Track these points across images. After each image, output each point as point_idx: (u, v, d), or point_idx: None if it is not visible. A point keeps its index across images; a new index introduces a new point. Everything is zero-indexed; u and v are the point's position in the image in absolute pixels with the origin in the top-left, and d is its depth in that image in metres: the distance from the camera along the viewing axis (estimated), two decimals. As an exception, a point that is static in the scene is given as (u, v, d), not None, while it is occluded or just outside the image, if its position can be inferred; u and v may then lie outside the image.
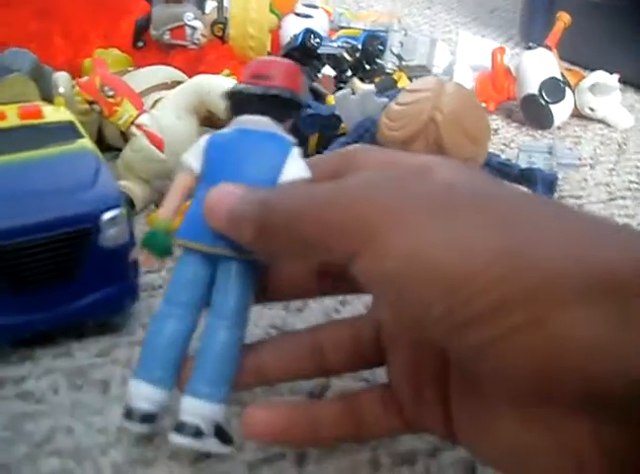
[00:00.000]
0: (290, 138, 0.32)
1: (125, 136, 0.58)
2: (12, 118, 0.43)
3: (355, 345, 0.32)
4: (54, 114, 0.44)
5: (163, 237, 0.32)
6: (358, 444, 0.34)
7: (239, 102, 0.32)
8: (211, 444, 0.30)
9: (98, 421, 0.35)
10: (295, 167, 0.31)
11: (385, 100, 0.52)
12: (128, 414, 0.31)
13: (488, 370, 0.23)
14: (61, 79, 0.51)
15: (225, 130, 0.32)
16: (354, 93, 0.53)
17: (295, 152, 0.31)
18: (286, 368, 0.32)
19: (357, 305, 0.44)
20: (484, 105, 0.78)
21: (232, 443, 0.31)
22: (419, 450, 0.34)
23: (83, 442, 0.34)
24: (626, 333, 0.20)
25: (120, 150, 0.56)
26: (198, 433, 0.30)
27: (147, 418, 0.31)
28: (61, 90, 0.51)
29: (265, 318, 0.43)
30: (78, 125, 0.44)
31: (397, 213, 0.23)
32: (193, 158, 0.32)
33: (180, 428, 0.30)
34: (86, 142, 0.43)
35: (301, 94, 0.33)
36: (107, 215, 0.38)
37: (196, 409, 0.30)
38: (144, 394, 0.31)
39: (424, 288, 0.22)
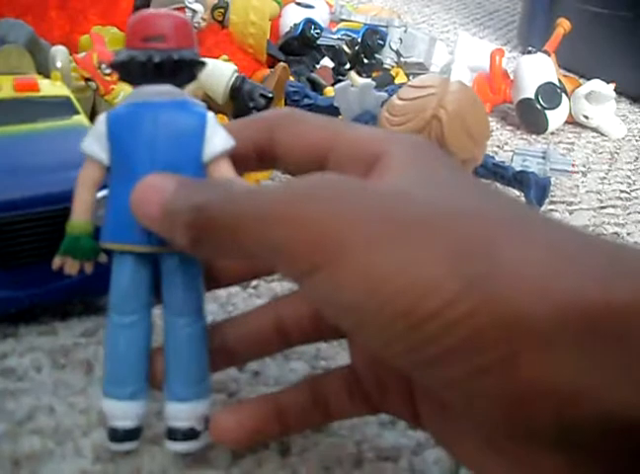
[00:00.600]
0: (201, 104, 0.29)
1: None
2: (7, 89, 0.42)
3: (314, 321, 0.31)
4: (51, 88, 0.44)
5: (86, 240, 0.29)
6: (341, 438, 0.34)
7: (132, 70, 0.28)
8: (205, 438, 0.30)
9: (80, 401, 0.34)
10: (218, 138, 0.28)
11: (384, 94, 0.52)
12: (113, 436, 0.30)
13: (453, 402, 0.22)
14: (59, 53, 0.51)
15: (124, 106, 0.28)
16: (353, 86, 0.52)
17: (212, 119, 0.28)
18: (253, 347, 0.32)
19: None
20: (480, 106, 0.78)
21: None
22: (403, 446, 0.34)
23: (64, 422, 0.33)
24: (599, 375, 0.18)
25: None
26: (193, 434, 0.29)
27: (133, 434, 0.30)
28: (59, 64, 0.50)
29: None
30: (74, 101, 0.43)
31: (352, 235, 0.21)
32: (96, 146, 0.28)
33: (173, 434, 0.30)
34: (82, 118, 0.42)
35: (196, 48, 0.29)
36: (101, 193, 0.37)
37: (184, 413, 0.29)
38: (123, 412, 0.30)
39: (383, 324, 0.20)
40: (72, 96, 0.43)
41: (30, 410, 0.34)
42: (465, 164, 0.44)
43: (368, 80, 0.71)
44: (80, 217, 0.29)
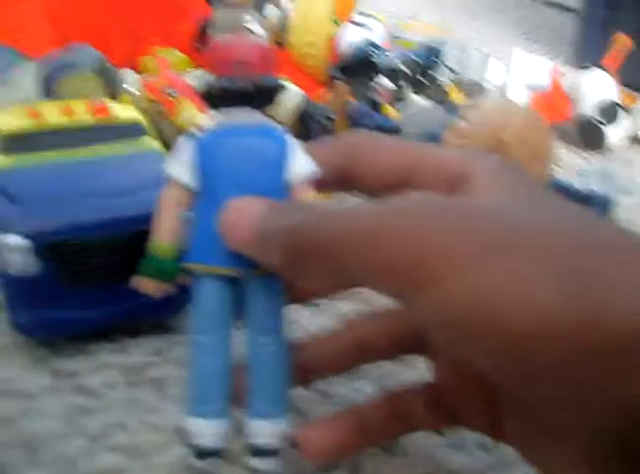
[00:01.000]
0: (283, 128, 0.30)
1: (182, 136, 0.59)
2: (80, 113, 0.43)
3: (392, 339, 0.32)
4: (122, 111, 0.45)
5: (166, 264, 0.30)
6: (411, 458, 0.34)
7: (216, 96, 0.29)
8: (284, 455, 0.30)
9: (153, 419, 0.35)
10: (301, 163, 0.29)
11: (448, 115, 0.52)
12: (198, 453, 0.30)
13: (551, 417, 0.22)
14: (129, 77, 0.52)
15: (209, 132, 0.29)
16: (417, 107, 0.53)
17: (294, 143, 0.29)
18: (332, 365, 0.33)
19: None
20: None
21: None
22: (472, 469, 0.34)
23: (139, 440, 0.34)
24: None
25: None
26: (274, 451, 0.30)
27: (217, 452, 0.31)
28: (129, 88, 0.51)
29: (318, 326, 0.43)
30: (145, 124, 0.44)
31: (456, 254, 0.21)
32: (182, 169, 0.29)
33: (258, 452, 0.30)
34: (153, 141, 0.43)
35: (276, 73, 0.30)
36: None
37: (267, 429, 0.30)
38: (208, 431, 0.30)
39: (487, 340, 0.20)
40: (142, 119, 0.44)
41: (104, 427, 0.35)
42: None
43: (424, 99, 0.72)
44: (163, 239, 0.30)
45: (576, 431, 0.22)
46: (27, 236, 0.36)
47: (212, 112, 0.29)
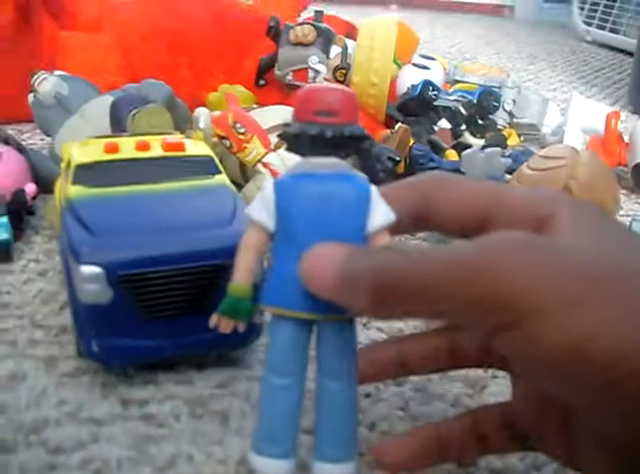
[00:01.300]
0: (364, 177, 0.30)
1: (245, 172, 0.60)
2: (156, 148, 0.45)
3: (483, 350, 0.33)
4: (195, 147, 0.46)
5: (245, 303, 0.30)
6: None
7: (302, 142, 0.29)
8: None
9: (218, 451, 0.36)
10: (381, 211, 0.29)
11: (509, 160, 0.52)
12: None
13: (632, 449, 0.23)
14: (202, 115, 0.54)
15: (291, 176, 0.29)
16: (477, 150, 0.53)
17: (375, 193, 0.29)
18: (425, 363, 0.34)
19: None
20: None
21: None
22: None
23: (203, 472, 0.35)
24: None
25: (237, 185, 0.58)
26: None
27: None
28: (202, 125, 0.53)
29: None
30: (217, 161, 0.45)
31: (548, 292, 0.22)
32: (263, 212, 0.29)
33: None
34: (224, 178, 0.44)
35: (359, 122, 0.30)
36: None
37: (334, 473, 0.30)
38: (272, 470, 0.31)
39: (584, 379, 0.21)
40: (215, 156, 0.46)
41: (170, 457, 0.35)
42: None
43: (481, 141, 0.72)
44: (242, 280, 0.30)
45: None
46: (100, 266, 0.37)
47: (296, 156, 0.30)
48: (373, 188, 0.29)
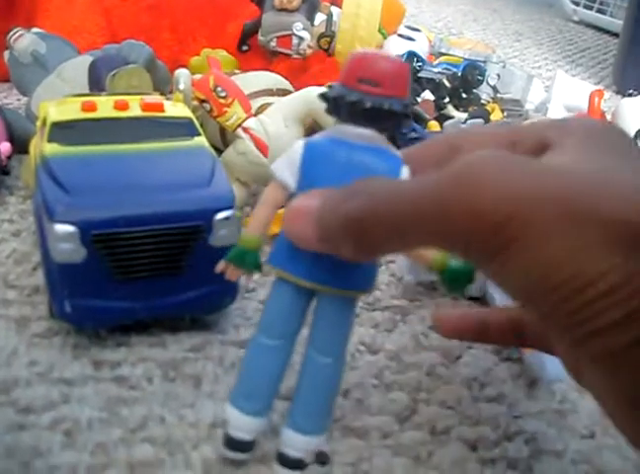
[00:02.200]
0: (399, 155, 0.28)
1: (225, 137, 0.59)
2: (134, 108, 0.44)
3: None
4: (174, 109, 0.45)
5: (252, 256, 0.30)
6: (442, 472, 0.34)
7: (340, 107, 0.27)
8: (311, 471, 0.31)
9: (190, 414, 0.36)
10: None
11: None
12: (229, 443, 0.31)
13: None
14: (183, 76, 0.53)
15: (323, 139, 0.28)
16: (459, 122, 0.53)
17: (406, 172, 0.28)
18: (495, 335, 0.34)
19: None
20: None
21: (329, 462, 0.31)
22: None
23: (175, 434, 0.34)
24: None
25: (217, 150, 0.57)
26: (301, 465, 0.30)
27: (246, 447, 0.31)
28: (182, 86, 0.52)
29: (355, 335, 0.43)
30: (196, 123, 0.45)
31: (518, 223, 0.21)
32: (287, 171, 0.28)
33: (283, 460, 0.31)
34: (203, 140, 0.44)
35: (408, 98, 0.28)
36: (220, 215, 0.38)
37: (300, 443, 0.30)
38: (243, 425, 0.31)
39: (550, 306, 0.22)
40: (194, 118, 0.45)
41: (142, 419, 0.35)
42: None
43: (464, 114, 0.72)
44: (253, 232, 0.30)
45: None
46: (74, 224, 0.36)
47: (335, 120, 0.28)
48: (405, 168, 0.28)
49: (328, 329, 0.30)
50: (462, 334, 0.35)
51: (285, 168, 0.28)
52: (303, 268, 0.28)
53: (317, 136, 0.28)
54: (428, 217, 0.23)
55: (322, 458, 0.32)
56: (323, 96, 0.28)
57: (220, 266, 0.30)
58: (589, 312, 0.21)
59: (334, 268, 0.28)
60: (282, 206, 0.29)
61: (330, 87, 0.28)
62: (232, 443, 0.31)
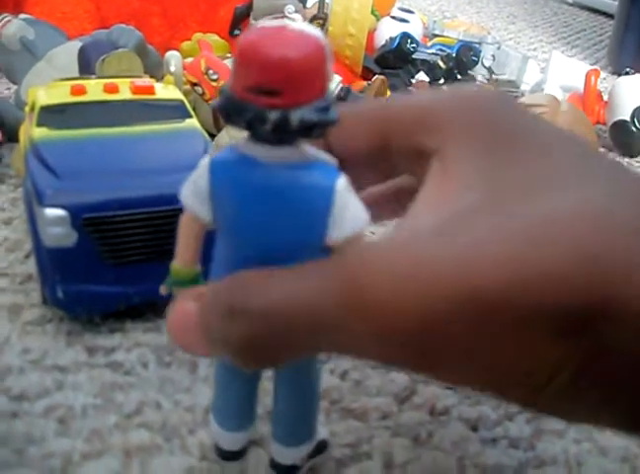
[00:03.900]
0: (331, 161, 0.22)
1: (217, 121, 0.59)
2: (124, 91, 0.43)
3: None
4: (165, 91, 0.45)
5: (191, 282, 0.25)
6: (443, 452, 0.33)
7: (239, 121, 0.20)
8: (308, 465, 0.30)
9: (186, 399, 0.35)
10: (350, 212, 0.21)
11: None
12: (220, 453, 0.30)
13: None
14: (173, 58, 0.52)
15: (232, 156, 0.22)
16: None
17: (343, 186, 0.21)
18: None
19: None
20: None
21: (327, 448, 0.31)
22: (505, 465, 0.34)
23: (171, 419, 0.34)
24: None
25: (210, 134, 0.56)
26: (294, 470, 0.30)
27: (237, 456, 0.30)
28: (172, 69, 0.51)
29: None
30: (187, 105, 0.44)
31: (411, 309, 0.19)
32: (196, 201, 0.22)
33: (275, 467, 0.30)
34: (195, 122, 0.43)
35: (327, 95, 0.20)
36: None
37: (289, 454, 0.29)
38: (228, 439, 0.30)
39: None
40: (185, 100, 0.44)
41: (137, 404, 0.35)
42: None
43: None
44: (183, 264, 0.25)
45: None
46: (64, 208, 0.36)
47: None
48: (341, 183, 0.21)
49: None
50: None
51: (193, 197, 0.23)
52: None
53: (226, 151, 0.22)
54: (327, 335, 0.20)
55: (321, 447, 0.31)
56: (216, 109, 0.21)
57: (163, 289, 0.26)
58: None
59: None
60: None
61: (221, 93, 0.21)
62: (222, 453, 0.30)
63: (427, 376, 0.25)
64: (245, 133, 0.21)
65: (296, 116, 0.19)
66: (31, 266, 0.44)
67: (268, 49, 0.19)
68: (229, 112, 0.20)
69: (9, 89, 0.72)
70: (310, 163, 0.21)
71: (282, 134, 0.20)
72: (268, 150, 0.21)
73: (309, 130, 0.20)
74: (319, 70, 0.20)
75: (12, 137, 0.56)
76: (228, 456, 0.30)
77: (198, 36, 0.70)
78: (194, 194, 0.22)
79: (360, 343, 0.20)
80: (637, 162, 0.76)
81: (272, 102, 0.19)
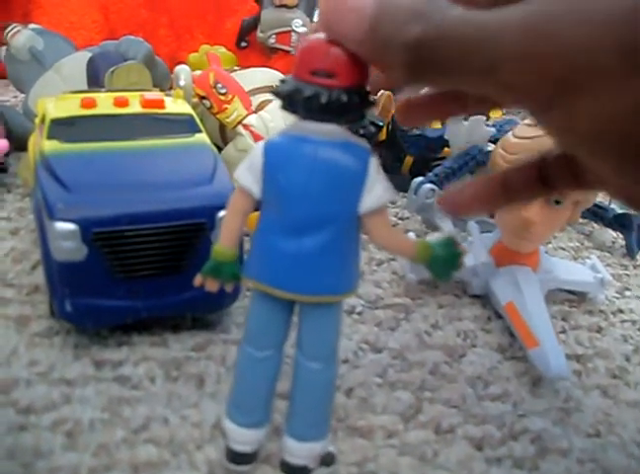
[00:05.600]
0: (366, 146, 0.26)
1: (224, 134, 0.59)
2: (134, 105, 0.44)
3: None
4: (175, 105, 0.45)
5: (228, 267, 0.28)
6: (448, 471, 0.34)
7: (296, 102, 0.25)
8: (317, 471, 0.31)
9: (193, 414, 0.35)
10: (378, 189, 0.26)
11: (493, 130, 0.52)
12: (231, 457, 0.31)
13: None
14: (183, 72, 0.52)
15: (284, 138, 0.26)
16: (466, 119, 0.52)
17: (374, 165, 0.26)
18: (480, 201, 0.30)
19: (448, 331, 0.44)
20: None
21: (335, 462, 0.31)
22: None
23: (179, 434, 0.34)
24: None
25: (217, 147, 0.56)
26: (305, 472, 0.30)
27: (249, 459, 0.31)
28: (182, 83, 0.52)
29: (358, 333, 0.43)
30: (197, 119, 0.44)
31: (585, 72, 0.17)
32: (250, 178, 0.26)
33: (287, 469, 0.30)
34: (204, 137, 0.43)
35: (368, 84, 0.25)
36: (222, 213, 0.38)
37: (302, 451, 0.30)
38: (243, 438, 0.30)
39: None
40: (195, 114, 0.45)
41: (145, 419, 0.35)
42: (577, 205, 0.43)
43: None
44: (226, 244, 0.28)
45: None
46: (75, 222, 0.36)
47: (280, 118, 0.27)
48: (373, 162, 0.26)
49: (314, 335, 0.29)
50: (479, 203, 0.30)
51: (248, 174, 0.26)
52: (280, 277, 0.27)
53: (277, 136, 0.26)
54: (509, 53, 0.19)
55: (328, 460, 0.31)
56: (275, 93, 0.26)
57: (197, 279, 0.29)
58: None
59: (312, 274, 0.27)
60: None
61: (283, 82, 0.25)
62: (234, 456, 0.31)
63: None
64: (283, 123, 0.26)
65: (345, 95, 0.24)
66: (38, 276, 0.44)
67: (328, 43, 0.24)
68: (290, 93, 0.25)
69: (16, 97, 0.73)
70: (350, 143, 0.26)
71: (331, 111, 0.24)
72: (317, 125, 0.25)
73: (353, 109, 0.25)
74: (363, 64, 0.24)
75: (19, 146, 0.56)
76: (240, 460, 0.31)
77: (205, 48, 0.70)
78: (249, 171, 0.26)
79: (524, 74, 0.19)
80: None
81: (328, 82, 0.24)
